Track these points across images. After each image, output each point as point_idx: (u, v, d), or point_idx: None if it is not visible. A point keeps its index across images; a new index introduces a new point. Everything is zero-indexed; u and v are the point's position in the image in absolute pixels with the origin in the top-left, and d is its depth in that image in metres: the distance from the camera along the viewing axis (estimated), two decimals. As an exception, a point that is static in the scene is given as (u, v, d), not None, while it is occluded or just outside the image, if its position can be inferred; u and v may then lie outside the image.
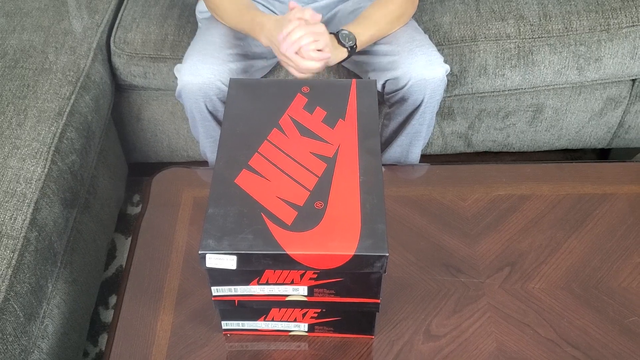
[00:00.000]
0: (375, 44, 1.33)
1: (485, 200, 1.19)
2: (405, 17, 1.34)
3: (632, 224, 1.14)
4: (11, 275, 1.04)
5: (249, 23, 1.28)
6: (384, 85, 1.31)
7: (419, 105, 1.29)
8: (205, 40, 1.32)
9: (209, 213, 0.89)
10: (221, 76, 1.25)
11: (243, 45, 1.33)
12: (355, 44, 1.26)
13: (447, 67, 1.28)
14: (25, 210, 1.12)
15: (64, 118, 1.29)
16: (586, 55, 1.46)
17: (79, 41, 1.44)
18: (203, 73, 1.24)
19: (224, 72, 1.26)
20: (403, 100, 1.29)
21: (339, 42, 1.25)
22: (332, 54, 1.22)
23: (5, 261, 1.05)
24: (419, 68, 1.25)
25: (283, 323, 0.98)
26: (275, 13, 1.42)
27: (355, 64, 1.37)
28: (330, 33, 1.27)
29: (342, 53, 1.26)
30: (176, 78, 1.29)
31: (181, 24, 1.50)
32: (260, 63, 1.36)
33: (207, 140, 1.38)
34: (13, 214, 1.11)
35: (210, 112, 1.29)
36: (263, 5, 1.42)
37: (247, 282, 0.90)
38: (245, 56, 1.33)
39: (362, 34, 1.27)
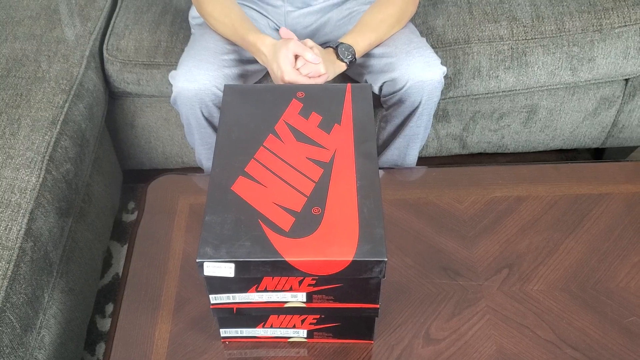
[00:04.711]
0: (372, 46, 1.33)
1: (482, 202, 1.19)
2: (405, 19, 1.35)
3: (628, 223, 1.14)
4: (7, 287, 1.03)
5: (241, 41, 1.29)
6: (381, 88, 1.31)
7: (417, 107, 1.29)
8: (200, 46, 1.32)
9: (206, 220, 0.89)
10: (217, 82, 1.25)
11: (237, 50, 1.33)
12: (354, 57, 1.27)
13: (444, 69, 1.28)
14: (20, 221, 1.11)
15: (58, 127, 1.28)
16: (579, 55, 1.47)
17: (72, 49, 1.44)
18: (198, 79, 1.24)
19: (219, 77, 1.25)
20: (400, 102, 1.29)
21: (338, 57, 1.26)
22: (330, 69, 1.24)
23: (0, 272, 1.04)
24: (417, 70, 1.25)
25: (282, 330, 0.98)
26: (268, 17, 1.42)
27: (352, 67, 1.37)
28: (328, 46, 1.28)
29: (341, 67, 1.28)
30: (170, 85, 1.28)
31: (174, 30, 1.50)
32: (255, 67, 1.36)
33: (202, 147, 1.37)
34: (8, 225, 1.10)
35: (206, 119, 1.29)
36: (255, 10, 1.42)
37: (245, 290, 0.90)
38: (240, 61, 1.33)
39: (360, 42, 1.28)
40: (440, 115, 1.57)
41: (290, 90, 1.09)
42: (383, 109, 1.38)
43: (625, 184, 1.22)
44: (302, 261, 0.85)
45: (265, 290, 0.90)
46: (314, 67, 1.20)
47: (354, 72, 1.39)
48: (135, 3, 1.57)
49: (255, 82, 1.41)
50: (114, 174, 1.60)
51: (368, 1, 1.39)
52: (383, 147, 1.42)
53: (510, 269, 1.08)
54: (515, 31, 1.45)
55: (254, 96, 1.08)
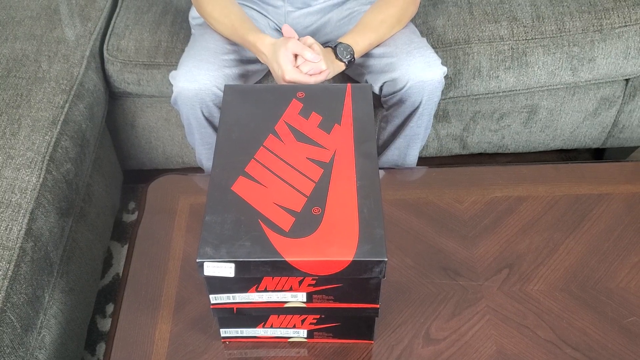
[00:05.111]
0: (372, 46, 1.33)
1: (482, 202, 1.19)
2: (406, 19, 1.35)
3: (628, 223, 1.14)
4: (7, 287, 1.03)
5: (241, 41, 1.29)
6: (381, 88, 1.31)
7: (417, 107, 1.29)
8: (200, 46, 1.32)
9: (206, 220, 0.89)
10: (217, 82, 1.25)
11: (237, 50, 1.33)
12: (353, 57, 1.27)
13: (445, 69, 1.28)
14: (20, 221, 1.11)
15: (58, 127, 1.28)
16: (580, 55, 1.47)
17: (72, 49, 1.44)
18: (199, 79, 1.24)
19: (220, 77, 1.26)
20: (401, 102, 1.30)
21: (337, 56, 1.26)
22: (330, 68, 1.24)
23: (1, 272, 1.04)
24: (417, 70, 1.25)
25: (282, 330, 0.98)
26: (268, 18, 1.42)
27: (351, 67, 1.37)
28: (327, 46, 1.28)
29: (340, 67, 1.28)
30: (171, 85, 1.29)
31: (174, 30, 1.50)
32: (255, 67, 1.36)
33: (203, 148, 1.37)
34: (8, 225, 1.10)
35: (206, 119, 1.29)
36: (256, 10, 1.42)
37: (245, 290, 0.90)
38: (240, 61, 1.33)
39: (360, 43, 1.28)
40: (441, 115, 1.57)
41: (290, 90, 1.09)
42: (383, 109, 1.38)
43: (625, 184, 1.22)
44: (302, 261, 0.85)
45: (265, 290, 0.90)
46: (314, 65, 1.20)
47: (354, 72, 1.39)
48: (135, 3, 1.57)
49: (256, 82, 1.41)
50: (114, 174, 1.60)
51: (368, 1, 1.39)
52: (383, 147, 1.42)
53: (510, 269, 1.08)
54: (515, 31, 1.46)
55: (254, 96, 1.08)
